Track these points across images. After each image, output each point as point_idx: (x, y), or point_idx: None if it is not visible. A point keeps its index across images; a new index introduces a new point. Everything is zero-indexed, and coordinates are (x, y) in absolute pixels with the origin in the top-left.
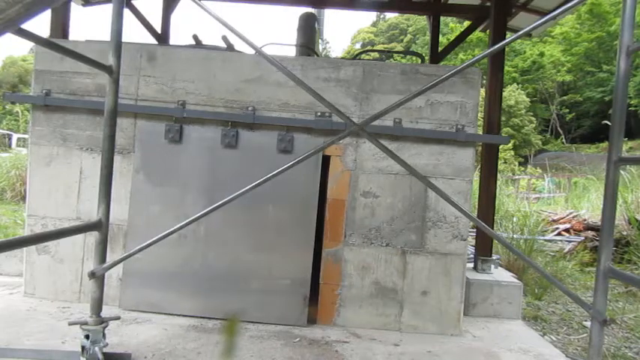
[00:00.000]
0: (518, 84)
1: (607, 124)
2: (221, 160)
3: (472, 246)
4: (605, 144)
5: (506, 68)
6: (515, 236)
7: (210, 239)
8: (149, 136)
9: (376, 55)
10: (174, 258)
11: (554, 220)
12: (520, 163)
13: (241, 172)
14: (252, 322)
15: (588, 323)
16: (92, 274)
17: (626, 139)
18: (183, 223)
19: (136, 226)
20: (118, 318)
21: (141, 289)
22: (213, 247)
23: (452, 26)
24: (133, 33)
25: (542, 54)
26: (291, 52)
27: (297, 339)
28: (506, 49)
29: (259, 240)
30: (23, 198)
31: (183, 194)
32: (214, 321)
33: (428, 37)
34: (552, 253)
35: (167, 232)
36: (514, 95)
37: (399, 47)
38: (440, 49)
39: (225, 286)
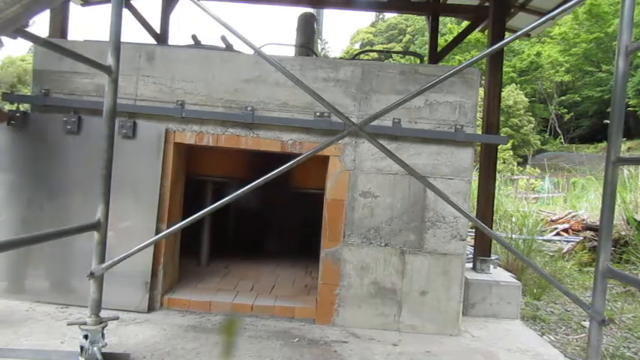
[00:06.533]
0: (516, 84)
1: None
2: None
3: (471, 246)
4: (603, 144)
5: (504, 68)
6: (514, 236)
7: (55, 225)
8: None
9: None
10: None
11: (552, 220)
12: (519, 163)
13: (87, 160)
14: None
15: (587, 323)
16: (91, 274)
17: (625, 139)
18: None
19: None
20: (116, 318)
21: None
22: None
23: (450, 27)
24: (132, 33)
25: (539, 54)
26: (290, 52)
27: (296, 339)
28: (505, 49)
29: None
30: None
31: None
32: (213, 321)
33: (427, 38)
34: (551, 253)
35: (168, 231)
36: (513, 95)
37: (398, 47)
38: (439, 49)
39: (70, 271)
